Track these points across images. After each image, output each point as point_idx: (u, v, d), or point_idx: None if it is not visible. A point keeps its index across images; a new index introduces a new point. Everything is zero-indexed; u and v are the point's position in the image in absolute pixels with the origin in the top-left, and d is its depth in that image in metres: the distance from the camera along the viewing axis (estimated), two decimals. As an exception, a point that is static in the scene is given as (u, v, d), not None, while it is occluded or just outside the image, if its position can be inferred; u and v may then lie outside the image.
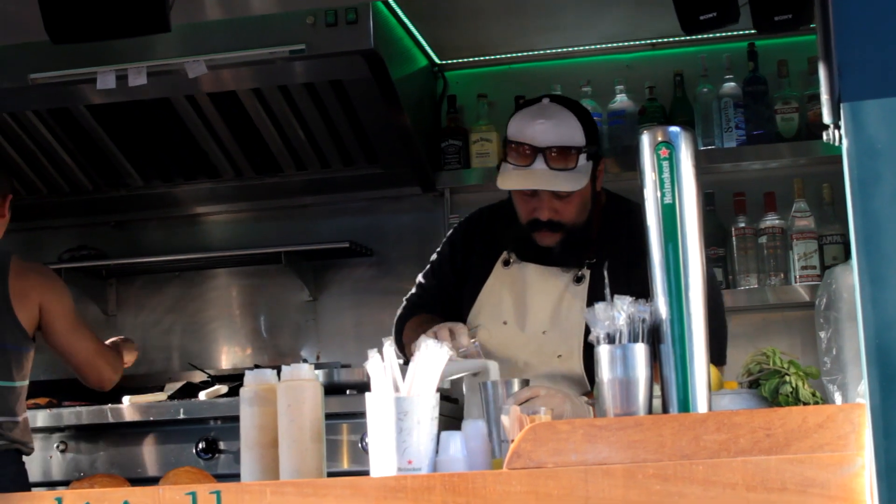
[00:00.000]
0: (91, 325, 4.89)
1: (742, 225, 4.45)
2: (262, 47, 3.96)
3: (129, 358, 4.07)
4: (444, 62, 4.82)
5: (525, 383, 2.66)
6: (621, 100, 4.62)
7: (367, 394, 2.27)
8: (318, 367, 4.32)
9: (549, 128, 3.11)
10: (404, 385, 2.26)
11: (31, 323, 3.82)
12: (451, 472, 2.19)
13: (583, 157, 3.12)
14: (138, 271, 4.98)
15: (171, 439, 4.02)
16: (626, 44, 4.71)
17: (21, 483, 3.68)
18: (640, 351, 2.24)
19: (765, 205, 4.45)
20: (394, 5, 4.23)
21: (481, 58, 4.81)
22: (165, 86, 4.16)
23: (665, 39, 4.67)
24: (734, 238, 4.44)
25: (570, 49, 4.74)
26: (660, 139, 2.29)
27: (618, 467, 2.09)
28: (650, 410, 2.25)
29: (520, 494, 2.12)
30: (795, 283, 4.35)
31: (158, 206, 4.96)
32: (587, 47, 4.73)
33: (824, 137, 2.12)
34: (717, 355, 3.20)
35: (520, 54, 4.78)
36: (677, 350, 2.24)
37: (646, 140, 2.30)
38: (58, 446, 4.08)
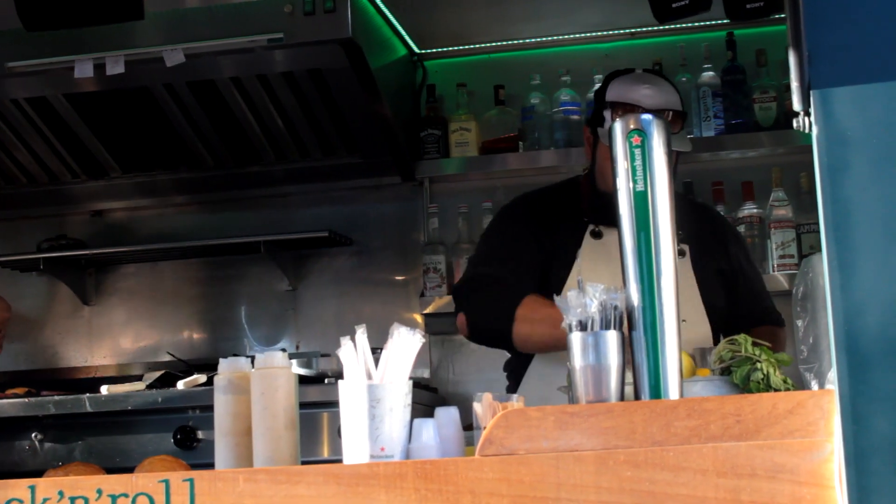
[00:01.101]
0: (70, 316, 4.93)
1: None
2: (239, 36, 3.95)
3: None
4: (423, 51, 4.82)
5: None
6: (600, 89, 4.62)
7: (339, 381, 2.27)
8: (297, 356, 4.32)
9: (655, 92, 3.21)
10: (377, 373, 2.27)
11: None
12: (424, 460, 2.20)
13: (681, 126, 3.24)
14: (117, 261, 4.97)
15: (149, 428, 4.02)
16: (605, 33, 4.71)
17: None
18: (612, 338, 2.24)
19: (743, 194, 4.46)
20: (372, -6, 4.23)
21: (460, 47, 4.81)
22: (144, 74, 4.15)
23: (644, 29, 4.68)
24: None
25: (550, 38, 4.75)
26: (632, 127, 2.30)
27: (589, 454, 2.10)
28: (622, 397, 2.26)
29: (492, 481, 2.13)
30: (773, 271, 4.37)
31: (138, 195, 4.95)
32: (566, 36, 4.73)
33: (795, 125, 2.13)
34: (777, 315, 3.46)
35: (499, 43, 4.78)
36: (649, 337, 2.25)
37: (618, 128, 2.31)
38: (35, 436, 4.07)
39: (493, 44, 4.79)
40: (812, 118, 2.06)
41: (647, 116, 2.31)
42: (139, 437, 4.01)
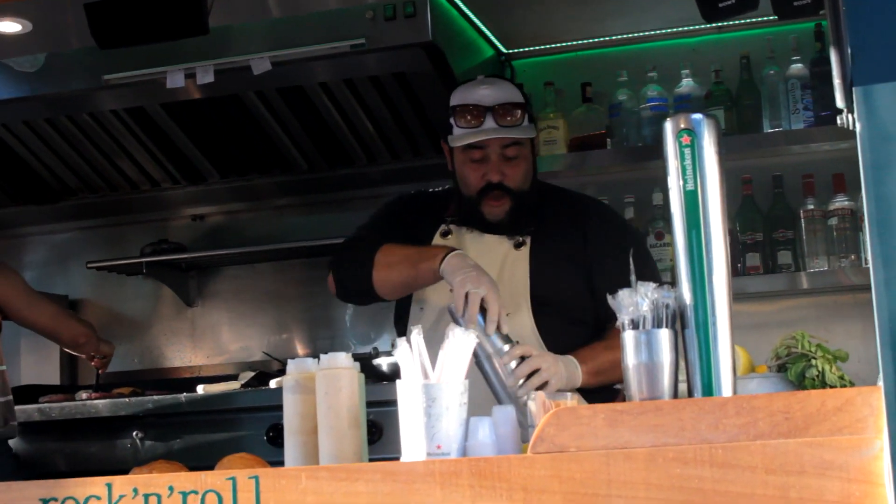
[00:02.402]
0: (174, 317, 5.09)
1: (811, 207, 4.41)
2: (323, 43, 4.03)
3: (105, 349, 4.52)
4: (510, 51, 4.86)
5: (507, 339, 2.91)
6: (687, 84, 4.61)
7: (397, 381, 2.33)
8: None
9: (493, 91, 3.33)
10: (434, 372, 2.33)
11: None
12: (478, 457, 2.25)
13: (526, 117, 3.34)
14: (217, 263, 5.11)
15: (243, 426, 4.14)
16: (691, 27, 4.69)
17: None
18: (664, 336, 2.26)
19: (834, 186, 4.41)
20: (455, -2, 4.29)
21: (547, 46, 4.83)
22: (234, 82, 4.26)
23: (731, 22, 4.64)
24: (803, 220, 4.40)
25: (636, 34, 4.74)
26: (682, 126, 2.32)
27: (639, 451, 2.13)
28: (675, 395, 2.28)
29: (544, 478, 2.16)
30: (866, 264, 4.31)
31: (235, 199, 5.08)
32: (653, 32, 4.72)
33: (839, 122, 2.13)
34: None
35: (585, 41, 4.79)
36: (701, 335, 2.27)
37: (668, 128, 2.33)
38: (136, 434, 4.23)
39: (580, 42, 4.80)
40: (855, 115, 2.05)
41: (697, 116, 2.34)
42: (234, 434, 4.13)
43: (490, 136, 3.30)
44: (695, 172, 2.30)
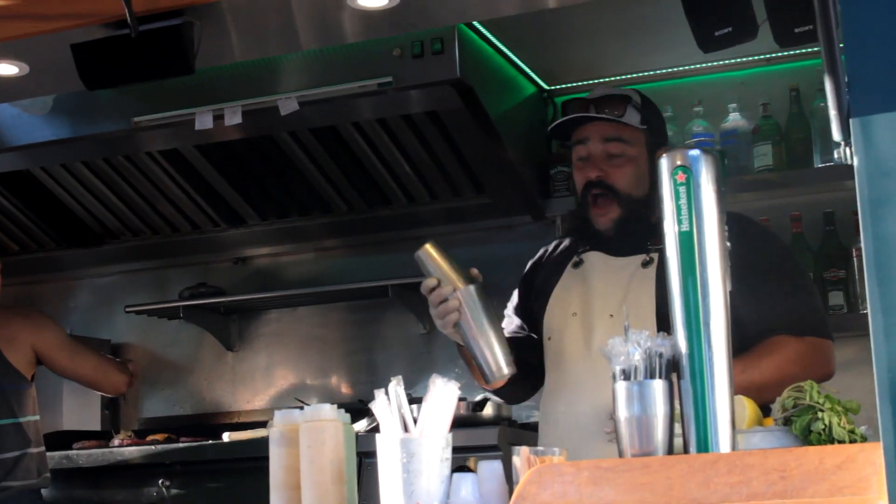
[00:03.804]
0: (215, 361, 5.04)
1: (864, 245, 4.21)
2: (350, 81, 3.96)
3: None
4: (552, 87, 4.74)
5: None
6: (734, 118, 4.45)
7: (376, 435, 2.22)
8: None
9: (599, 89, 3.24)
10: (417, 426, 2.21)
11: (25, 364, 4.19)
12: (456, 517, 2.13)
13: (632, 109, 3.15)
14: (257, 307, 5.05)
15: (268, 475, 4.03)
16: (739, 60, 4.52)
17: None
18: (657, 387, 2.12)
19: (884, 220, 4.20)
20: (489, 35, 4.18)
21: (590, 81, 4.70)
22: (263, 123, 4.19)
23: (780, 53, 4.46)
24: (855, 259, 4.21)
25: (681, 68, 4.60)
26: (677, 163, 2.18)
27: (624, 512, 1.99)
28: (671, 450, 2.13)
29: (523, 540, 2.04)
30: (923, 306, 4.09)
31: (276, 241, 5.02)
32: (699, 66, 4.57)
33: (836, 156, 1.97)
34: (813, 326, 3.08)
35: (630, 76, 4.65)
36: (697, 386, 2.12)
37: (664, 164, 2.19)
38: (162, 482, 4.16)
39: (624, 76, 4.66)
40: (853, 148, 1.90)
41: (694, 152, 2.19)
42: (259, 481, 4.02)
43: (589, 113, 3.13)
44: (690, 212, 2.16)
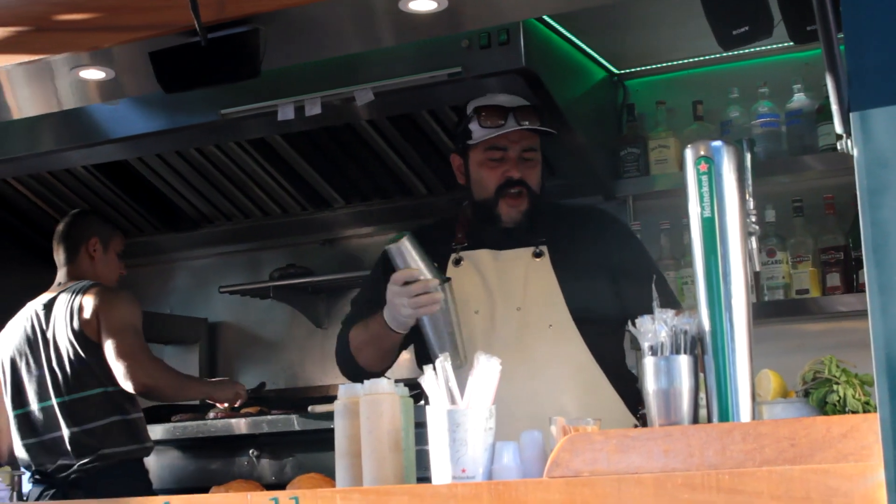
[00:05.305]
0: (305, 338, 5.27)
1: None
2: (422, 72, 4.14)
3: (220, 395, 4.45)
4: (622, 71, 4.89)
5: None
6: (799, 99, 4.55)
7: (426, 406, 2.43)
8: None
9: (511, 98, 3.58)
10: (463, 399, 2.41)
11: (92, 333, 4.30)
12: (498, 481, 2.32)
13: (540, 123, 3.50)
14: (344, 286, 5.28)
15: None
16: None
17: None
18: (683, 362, 2.30)
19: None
20: (556, 25, 4.34)
21: (658, 65, 4.84)
22: (343, 112, 4.41)
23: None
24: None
25: (747, 50, 4.70)
26: (700, 154, 2.35)
27: (648, 476, 2.17)
28: (696, 420, 2.31)
29: (558, 502, 2.23)
30: None
31: (360, 223, 5.25)
32: (764, 47, 4.67)
33: (838, 148, 2.12)
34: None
35: (696, 59, 4.78)
36: (720, 361, 2.29)
37: (688, 155, 2.36)
38: (252, 452, 4.42)
39: (691, 59, 4.80)
40: (853, 140, 2.05)
41: (716, 143, 2.35)
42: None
43: (514, 129, 3.45)
44: (712, 199, 2.32)
